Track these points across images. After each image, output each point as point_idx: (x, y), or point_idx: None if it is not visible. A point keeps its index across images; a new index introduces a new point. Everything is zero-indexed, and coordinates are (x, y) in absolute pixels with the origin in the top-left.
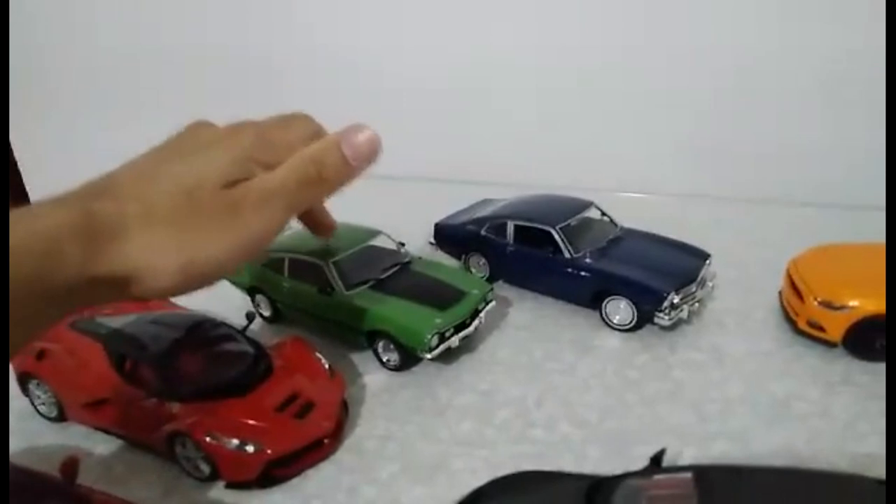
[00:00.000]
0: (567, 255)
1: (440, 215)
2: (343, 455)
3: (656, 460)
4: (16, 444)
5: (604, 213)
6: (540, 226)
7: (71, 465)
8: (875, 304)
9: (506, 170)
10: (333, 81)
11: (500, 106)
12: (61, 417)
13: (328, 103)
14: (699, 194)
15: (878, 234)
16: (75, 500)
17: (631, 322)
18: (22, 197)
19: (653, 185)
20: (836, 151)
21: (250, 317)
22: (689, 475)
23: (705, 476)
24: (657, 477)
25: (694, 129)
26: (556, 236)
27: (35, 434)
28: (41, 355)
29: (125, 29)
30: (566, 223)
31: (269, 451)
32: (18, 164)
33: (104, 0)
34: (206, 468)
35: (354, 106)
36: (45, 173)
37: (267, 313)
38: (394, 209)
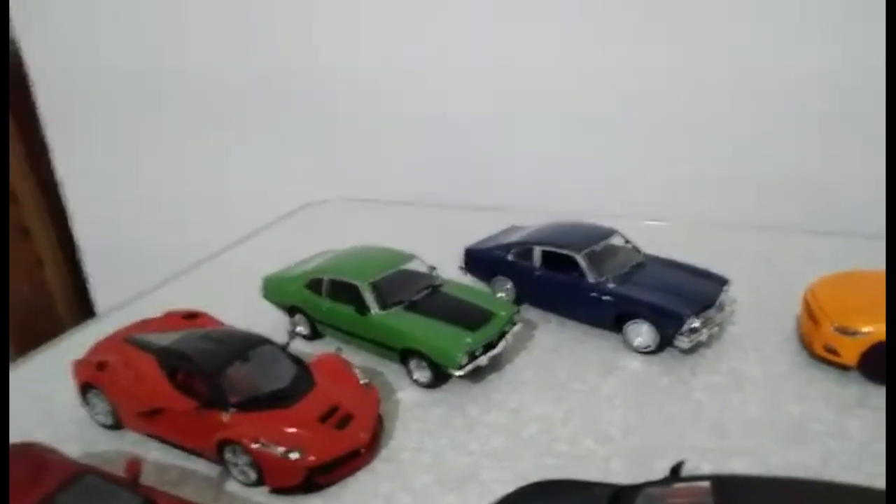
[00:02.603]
0: (591, 279)
1: (471, 240)
2: (379, 465)
3: (675, 471)
4: (74, 449)
5: (627, 241)
6: (565, 251)
7: (135, 465)
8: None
9: (534, 197)
10: (369, 108)
11: (529, 136)
12: (117, 426)
13: (362, 131)
14: (719, 222)
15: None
16: (141, 497)
17: (652, 345)
18: (60, 214)
19: (673, 212)
20: (853, 181)
21: (292, 334)
22: (707, 484)
23: (723, 485)
24: (676, 486)
25: (713, 158)
26: (581, 261)
27: (93, 441)
28: (101, 367)
29: (167, 56)
30: (591, 249)
31: (312, 458)
32: (62, 185)
33: (148, 29)
34: (252, 474)
35: (388, 135)
36: (89, 195)
37: (305, 332)
38: (426, 235)
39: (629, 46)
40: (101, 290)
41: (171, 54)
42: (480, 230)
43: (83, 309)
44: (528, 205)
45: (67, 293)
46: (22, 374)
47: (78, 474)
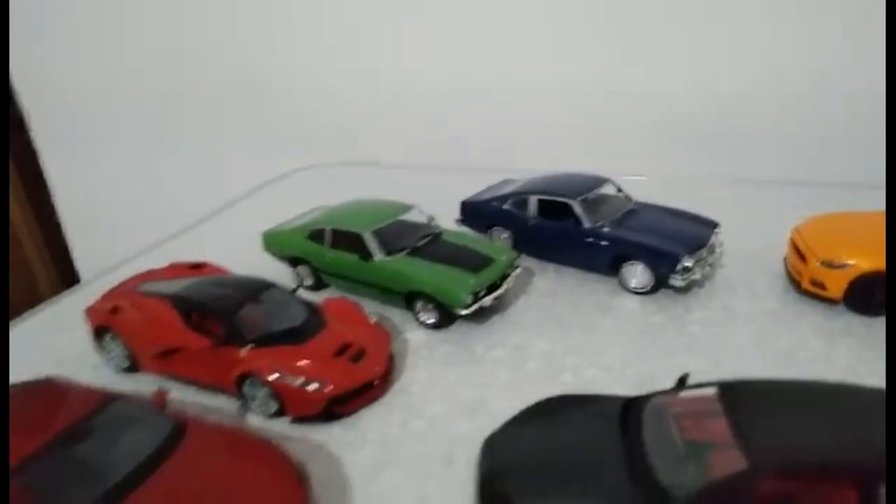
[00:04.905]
0: (586, 224)
1: (461, 199)
2: (392, 397)
3: (682, 381)
4: None
5: (619, 189)
6: (560, 199)
7: (162, 396)
8: (872, 262)
9: (527, 159)
10: (362, 78)
11: (526, 102)
12: (133, 368)
13: (356, 99)
14: (709, 177)
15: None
16: (173, 419)
17: (647, 285)
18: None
19: (665, 169)
20: (835, 134)
21: (300, 282)
22: (714, 390)
23: (730, 389)
24: (684, 393)
25: (701, 115)
26: (576, 208)
27: (109, 384)
28: (115, 310)
29: (149, 62)
30: (585, 196)
31: (330, 388)
32: (51, 187)
33: (140, 36)
34: (273, 405)
35: (381, 103)
36: (76, 194)
37: (309, 282)
38: (418, 194)
39: (614, 9)
40: (84, 262)
41: (155, 60)
42: (468, 191)
43: (68, 283)
44: (516, 166)
45: (48, 267)
46: None
47: (108, 400)
